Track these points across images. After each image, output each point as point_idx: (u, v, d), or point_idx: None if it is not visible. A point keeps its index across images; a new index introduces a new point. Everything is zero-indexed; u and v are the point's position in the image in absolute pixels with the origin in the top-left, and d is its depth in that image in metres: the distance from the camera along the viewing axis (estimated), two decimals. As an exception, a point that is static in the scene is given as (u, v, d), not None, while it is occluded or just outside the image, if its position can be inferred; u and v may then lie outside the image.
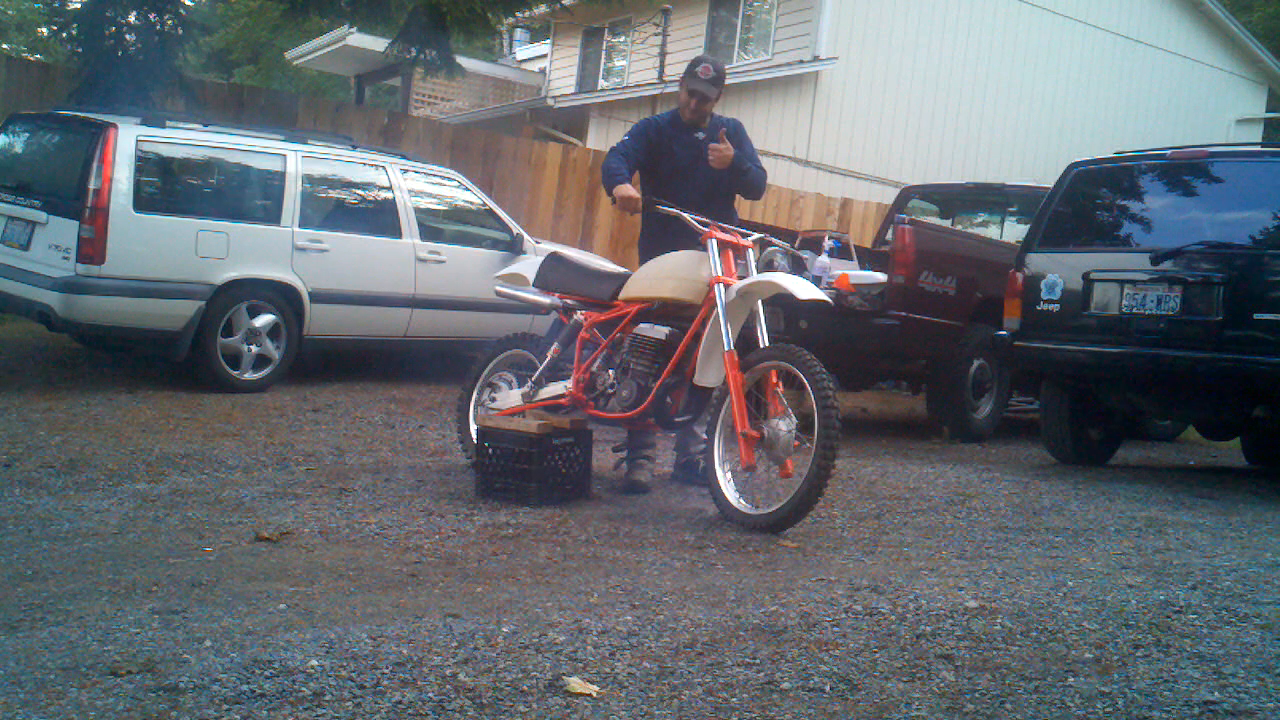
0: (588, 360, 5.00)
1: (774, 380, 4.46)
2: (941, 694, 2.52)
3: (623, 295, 4.97)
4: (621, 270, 5.51)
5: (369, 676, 2.48)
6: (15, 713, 2.31)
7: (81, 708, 2.32)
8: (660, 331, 4.78)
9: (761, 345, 4.59)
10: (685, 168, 5.21)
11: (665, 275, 4.83)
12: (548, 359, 5.20)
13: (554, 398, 5.08)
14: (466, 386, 5.55)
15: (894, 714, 2.41)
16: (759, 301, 4.64)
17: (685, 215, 4.83)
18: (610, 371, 4.89)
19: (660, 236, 5.13)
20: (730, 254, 4.71)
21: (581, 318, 5.12)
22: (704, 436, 4.76)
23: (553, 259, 5.49)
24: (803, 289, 4.52)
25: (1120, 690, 2.53)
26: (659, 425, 4.88)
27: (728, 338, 4.50)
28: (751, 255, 4.78)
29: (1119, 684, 2.57)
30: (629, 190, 4.98)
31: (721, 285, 4.58)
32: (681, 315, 4.76)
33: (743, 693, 2.50)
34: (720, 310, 4.53)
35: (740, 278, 4.65)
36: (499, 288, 5.72)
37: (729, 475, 4.53)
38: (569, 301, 5.24)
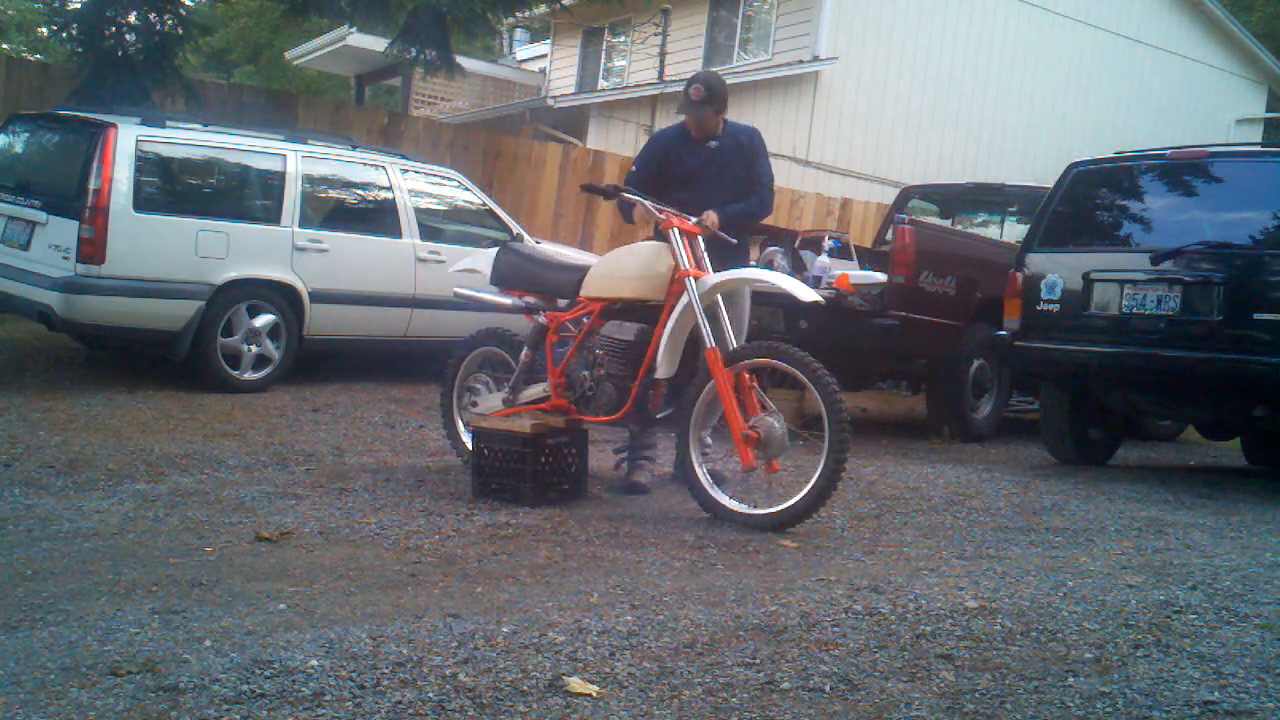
0: (561, 363, 4.91)
1: (747, 379, 4.42)
2: (941, 694, 2.52)
3: (583, 294, 4.84)
4: (581, 261, 5.32)
5: (369, 676, 2.48)
6: (15, 713, 2.31)
7: (81, 708, 2.32)
8: (629, 331, 4.75)
9: (728, 340, 4.51)
10: (694, 176, 5.09)
11: (623, 274, 4.73)
12: (521, 363, 5.10)
13: (534, 402, 4.99)
14: (445, 391, 5.44)
15: (894, 714, 2.41)
16: (719, 295, 4.54)
17: (645, 202, 4.75)
18: (585, 373, 4.81)
19: None
20: (688, 242, 4.60)
21: (545, 320, 5.01)
22: (708, 441, 4.67)
23: (505, 252, 5.24)
24: (795, 287, 4.48)
25: (1120, 690, 2.53)
26: (641, 423, 4.84)
27: (708, 336, 4.43)
28: (702, 241, 4.69)
29: (1119, 684, 2.57)
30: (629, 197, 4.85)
31: (691, 279, 4.49)
32: (648, 308, 4.70)
33: (743, 693, 2.50)
34: (696, 307, 4.44)
35: (696, 264, 4.57)
36: (457, 289, 5.48)
37: (707, 474, 4.47)
38: (530, 300, 5.10)
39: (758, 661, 2.68)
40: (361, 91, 18.37)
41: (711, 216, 4.85)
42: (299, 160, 7.14)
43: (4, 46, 25.75)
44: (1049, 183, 6.88)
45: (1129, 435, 7.43)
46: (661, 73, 15.35)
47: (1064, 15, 16.67)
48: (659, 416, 4.78)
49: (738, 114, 9.77)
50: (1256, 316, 5.42)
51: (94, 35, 9.20)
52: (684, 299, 4.49)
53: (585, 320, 4.88)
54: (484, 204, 8.21)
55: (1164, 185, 6.18)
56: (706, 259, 4.65)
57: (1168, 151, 6.21)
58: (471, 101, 18.24)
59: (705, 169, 5.10)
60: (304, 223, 7.08)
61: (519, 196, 10.80)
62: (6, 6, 28.20)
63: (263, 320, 6.89)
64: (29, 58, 20.95)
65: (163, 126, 6.72)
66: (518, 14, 13.34)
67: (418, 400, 7.13)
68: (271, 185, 7.04)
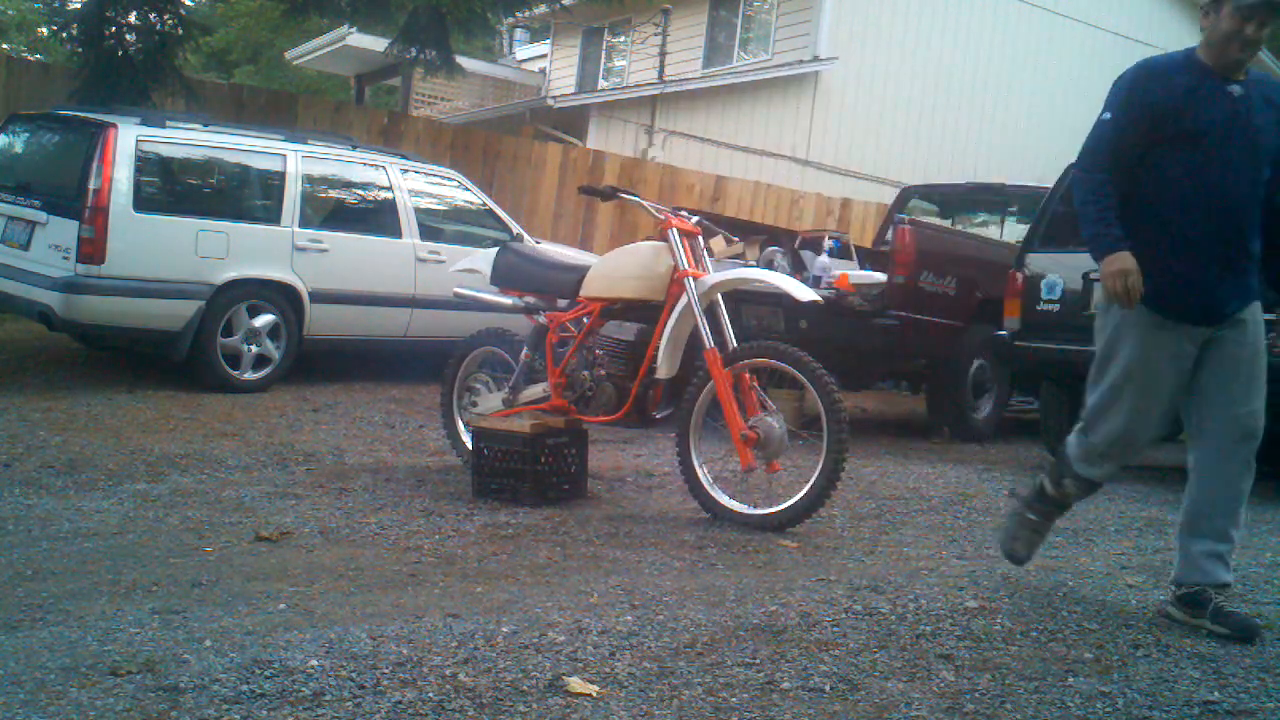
0: (561, 363, 4.92)
1: (747, 378, 4.42)
2: (941, 694, 2.52)
3: (583, 294, 4.86)
4: (581, 261, 5.33)
5: (369, 676, 2.48)
6: (15, 713, 2.31)
7: (81, 708, 2.32)
8: (629, 331, 4.75)
9: (728, 340, 4.51)
10: (1207, 133, 3.12)
11: (623, 274, 4.74)
12: (521, 363, 5.11)
13: (534, 402, 5.00)
14: (445, 391, 5.46)
15: (894, 714, 2.41)
16: (719, 294, 4.55)
17: (644, 203, 4.75)
18: (585, 373, 4.82)
19: None
20: (687, 242, 4.59)
21: (545, 320, 5.02)
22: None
23: (505, 252, 5.27)
24: (794, 287, 4.48)
25: (1120, 690, 2.53)
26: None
27: (707, 336, 4.43)
28: (702, 241, 4.68)
29: (1119, 684, 2.57)
30: (1123, 261, 3.07)
31: (691, 279, 4.49)
32: (647, 308, 4.70)
33: (743, 693, 2.50)
34: (695, 307, 4.45)
35: (696, 264, 4.57)
36: (457, 289, 5.49)
37: (709, 474, 4.48)
38: (530, 300, 5.11)
39: (758, 661, 2.68)
40: (361, 91, 18.37)
41: None
42: (299, 160, 7.14)
43: (4, 46, 25.75)
44: (1049, 183, 6.87)
45: (1129, 435, 7.42)
46: (661, 73, 15.32)
47: (1064, 15, 16.66)
48: (659, 416, 4.78)
49: (737, 114, 9.66)
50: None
51: (94, 35, 9.21)
52: (683, 299, 4.49)
53: (585, 320, 4.88)
54: (484, 204, 8.21)
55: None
56: (707, 258, 4.65)
57: (1167, 152, 6.19)
58: (471, 101, 18.23)
59: (1229, 125, 3.14)
60: (304, 223, 7.08)
61: (519, 196, 10.80)
62: (6, 6, 28.19)
63: (263, 320, 6.89)
64: (29, 58, 20.95)
65: (163, 126, 6.72)
66: (518, 14, 13.34)
67: (418, 400, 7.13)
68: (271, 185, 7.04)
